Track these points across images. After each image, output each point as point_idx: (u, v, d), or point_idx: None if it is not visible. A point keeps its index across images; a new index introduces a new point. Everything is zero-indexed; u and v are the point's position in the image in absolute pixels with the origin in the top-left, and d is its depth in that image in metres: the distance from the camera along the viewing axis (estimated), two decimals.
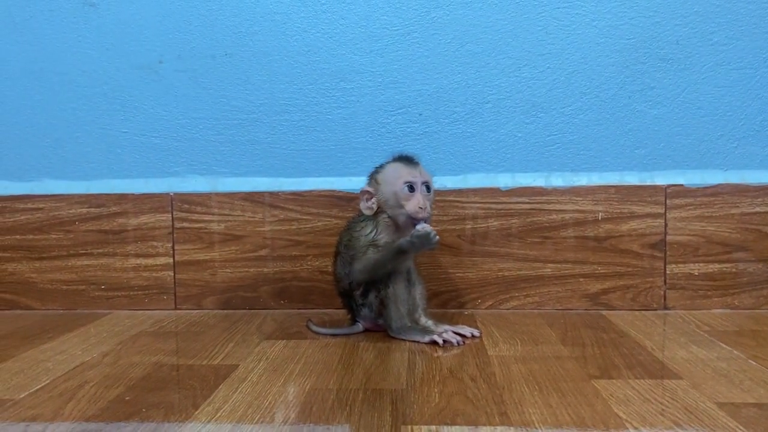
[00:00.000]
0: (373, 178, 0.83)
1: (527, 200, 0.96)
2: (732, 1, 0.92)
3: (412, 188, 0.80)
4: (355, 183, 0.97)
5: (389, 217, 0.82)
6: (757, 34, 0.92)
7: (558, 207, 0.95)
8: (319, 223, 0.97)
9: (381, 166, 0.83)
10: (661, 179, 0.94)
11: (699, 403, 0.57)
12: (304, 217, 0.97)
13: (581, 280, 0.95)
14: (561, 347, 0.76)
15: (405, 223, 0.81)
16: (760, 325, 0.85)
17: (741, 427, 0.52)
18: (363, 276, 0.81)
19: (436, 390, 0.62)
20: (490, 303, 0.96)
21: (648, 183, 0.94)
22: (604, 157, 0.96)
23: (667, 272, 0.94)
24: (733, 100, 0.94)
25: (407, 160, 0.82)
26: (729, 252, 0.93)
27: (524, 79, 0.96)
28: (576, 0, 0.94)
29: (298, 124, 0.98)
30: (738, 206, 0.93)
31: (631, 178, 0.95)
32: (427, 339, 0.79)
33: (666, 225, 0.94)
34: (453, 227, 0.96)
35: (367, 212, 0.83)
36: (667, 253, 0.94)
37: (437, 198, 0.96)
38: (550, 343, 0.77)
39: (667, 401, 0.58)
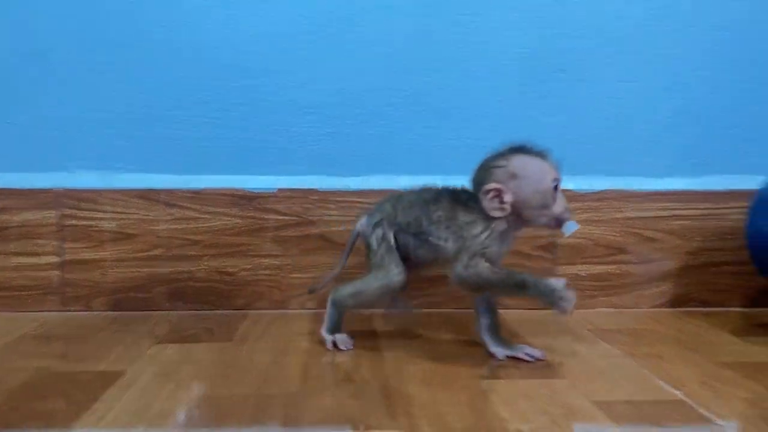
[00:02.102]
0: (503, 172, 0.70)
1: None
2: (623, 18, 0.98)
3: (556, 188, 0.70)
4: (256, 182, 0.95)
5: (510, 220, 0.70)
6: (646, 50, 0.98)
7: None
8: (218, 223, 0.95)
9: (506, 159, 0.71)
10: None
11: (576, 401, 0.61)
12: (202, 216, 0.95)
13: None
14: (452, 346, 0.78)
15: (547, 225, 0.71)
16: (639, 324, 0.91)
17: (611, 422, 0.55)
18: (469, 286, 0.70)
19: (328, 394, 0.62)
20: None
21: None
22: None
23: (557, 274, 0.98)
24: (619, 109, 0.99)
25: (543, 154, 0.71)
26: (613, 254, 0.99)
27: (431, 84, 0.98)
28: (482, 10, 0.97)
29: (199, 120, 0.96)
30: (622, 211, 0.99)
31: None
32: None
33: None
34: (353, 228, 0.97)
35: (497, 214, 0.70)
36: (557, 254, 0.98)
37: (339, 199, 0.97)
38: (444, 342, 0.79)
39: (545, 399, 0.61)
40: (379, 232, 0.76)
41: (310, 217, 0.96)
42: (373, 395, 0.61)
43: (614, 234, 0.99)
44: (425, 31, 0.97)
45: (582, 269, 0.99)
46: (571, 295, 0.65)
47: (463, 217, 0.71)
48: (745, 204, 0.98)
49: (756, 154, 1.01)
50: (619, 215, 0.99)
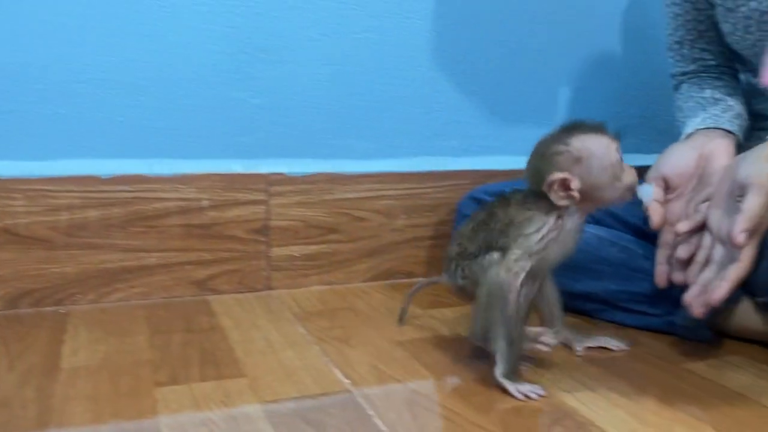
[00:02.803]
0: (566, 159, 0.63)
1: (129, 188, 0.91)
2: (325, 0, 0.98)
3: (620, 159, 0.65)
4: None
5: (583, 208, 0.66)
6: (343, 34, 1.00)
7: (162, 195, 0.93)
8: None
9: (564, 142, 0.64)
10: (264, 167, 0.98)
11: (246, 404, 0.61)
12: None
13: (188, 267, 0.95)
14: (145, 350, 0.75)
15: (622, 198, 0.66)
16: (343, 302, 0.95)
17: (270, 428, 0.57)
18: (491, 296, 0.64)
19: None
20: (92, 297, 0.91)
21: (252, 171, 0.97)
22: (210, 144, 0.96)
23: (271, 255, 0.99)
24: (326, 93, 1.01)
25: (598, 127, 0.65)
26: (325, 234, 1.02)
27: (126, 60, 0.90)
28: None
29: None
30: (332, 193, 1.02)
31: (236, 166, 0.97)
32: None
33: (269, 211, 0.98)
34: (45, 219, 0.88)
35: (566, 203, 0.64)
36: (270, 237, 0.99)
37: (25, 187, 0.87)
38: (135, 347, 0.76)
39: (216, 406, 0.61)
40: (459, 275, 0.70)
41: None
42: (28, 417, 0.56)
43: (325, 215, 1.02)
44: (113, 2, 0.89)
45: (295, 250, 1.01)
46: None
47: (519, 215, 0.65)
48: (442, 183, 1.07)
49: (450, 137, 1.09)
50: (329, 197, 1.01)
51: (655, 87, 1.23)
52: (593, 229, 0.88)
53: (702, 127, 0.86)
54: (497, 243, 0.66)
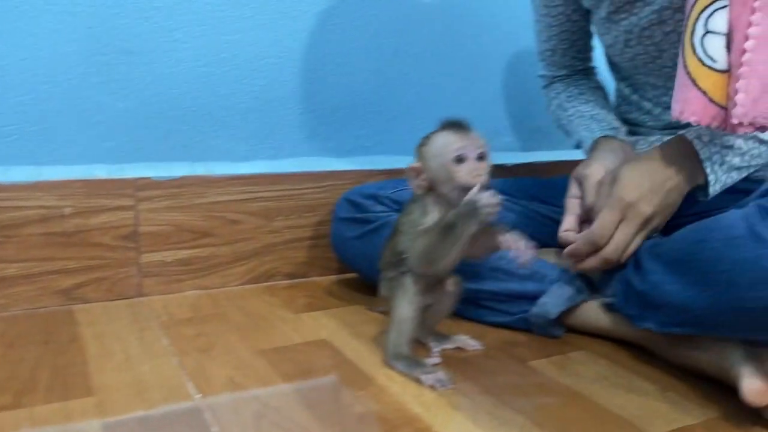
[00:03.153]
0: (419, 151, 0.71)
1: None
2: (192, 1, 0.96)
3: (461, 159, 0.69)
4: None
5: (439, 195, 0.71)
6: (213, 36, 0.98)
7: (20, 203, 0.89)
8: None
9: (427, 137, 0.71)
10: (130, 172, 0.96)
11: (86, 426, 0.61)
12: None
13: (52, 276, 0.92)
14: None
15: (459, 198, 0.69)
16: (217, 308, 0.94)
17: None
18: (421, 267, 0.72)
19: None
20: None
21: (117, 176, 0.95)
22: (71, 149, 0.93)
23: (141, 261, 0.97)
24: (196, 96, 0.99)
25: (456, 126, 0.70)
26: (198, 238, 1.01)
27: None
28: None
29: None
30: (205, 196, 1.00)
31: (100, 172, 0.94)
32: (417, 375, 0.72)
33: (137, 216, 0.96)
34: None
35: (418, 191, 0.72)
36: (140, 243, 0.97)
37: None
38: None
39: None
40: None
41: None
42: None
43: (198, 219, 1.00)
44: None
45: (167, 255, 0.99)
46: (486, 200, 0.66)
47: (409, 208, 0.74)
48: (321, 184, 1.08)
49: (327, 138, 1.10)
50: (201, 200, 1.00)
51: (531, 87, 1.27)
52: None
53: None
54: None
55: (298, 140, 1.07)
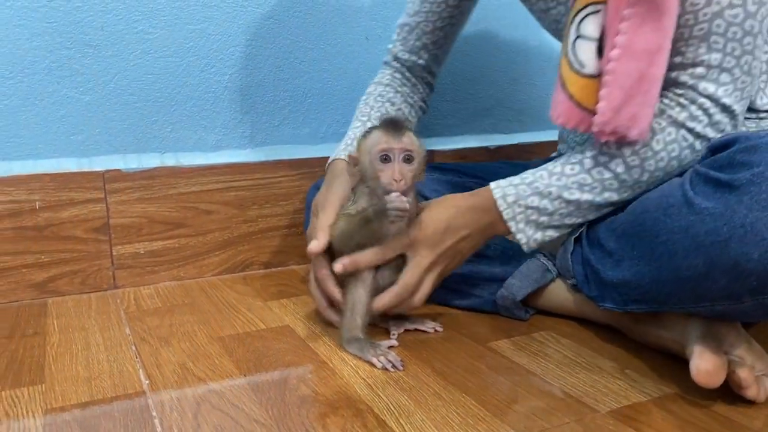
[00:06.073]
0: (358, 142, 0.74)
1: None
2: None
3: (387, 158, 0.70)
4: None
5: (368, 186, 0.73)
6: (179, 25, 0.98)
7: None
8: None
9: (369, 131, 0.73)
10: (99, 165, 0.96)
11: (29, 414, 0.61)
12: None
13: (24, 270, 0.93)
14: None
15: (381, 195, 0.70)
16: (189, 297, 0.94)
17: None
18: (337, 247, 0.74)
19: None
20: None
21: (86, 169, 0.95)
22: (38, 144, 0.93)
23: (114, 253, 0.98)
24: (163, 86, 0.99)
25: (391, 125, 0.71)
26: (171, 229, 1.01)
27: None
28: None
29: None
30: (175, 187, 1.00)
31: (69, 165, 0.95)
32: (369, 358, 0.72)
33: (108, 209, 0.96)
34: None
35: (352, 180, 0.75)
36: (112, 235, 0.97)
37: None
38: None
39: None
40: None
41: None
42: None
43: (170, 210, 1.00)
44: None
45: (140, 247, 0.99)
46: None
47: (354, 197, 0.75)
48: (295, 172, 1.07)
49: (300, 125, 1.09)
50: (173, 191, 1.00)
51: (511, 70, 1.25)
52: None
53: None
54: None
55: (270, 128, 1.07)
